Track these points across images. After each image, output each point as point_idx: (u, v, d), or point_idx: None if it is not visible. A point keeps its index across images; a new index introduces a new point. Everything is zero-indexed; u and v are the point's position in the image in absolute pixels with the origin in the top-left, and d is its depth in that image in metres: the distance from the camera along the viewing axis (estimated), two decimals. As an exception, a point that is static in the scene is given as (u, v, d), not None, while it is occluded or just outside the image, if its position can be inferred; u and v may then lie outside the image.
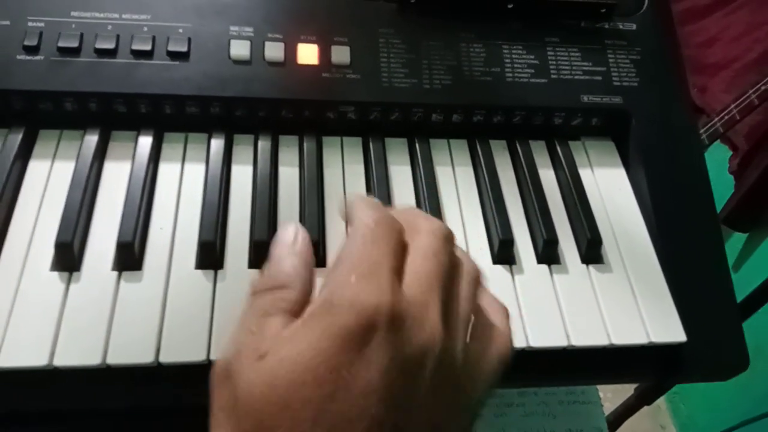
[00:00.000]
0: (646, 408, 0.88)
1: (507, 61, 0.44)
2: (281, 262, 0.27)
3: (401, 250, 0.27)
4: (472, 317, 0.29)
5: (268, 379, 0.23)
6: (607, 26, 0.47)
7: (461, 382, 0.27)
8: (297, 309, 0.25)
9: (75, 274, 0.34)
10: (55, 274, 0.33)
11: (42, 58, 0.37)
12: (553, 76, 0.44)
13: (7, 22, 0.38)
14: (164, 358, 0.31)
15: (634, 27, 0.47)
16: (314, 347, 0.23)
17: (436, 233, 0.28)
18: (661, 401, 1.62)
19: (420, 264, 0.27)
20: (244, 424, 0.23)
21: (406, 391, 0.24)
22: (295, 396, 0.22)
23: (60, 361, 0.31)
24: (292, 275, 0.27)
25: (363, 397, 0.23)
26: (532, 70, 0.44)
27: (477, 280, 0.29)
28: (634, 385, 0.84)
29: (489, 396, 0.29)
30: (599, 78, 0.45)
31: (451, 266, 0.28)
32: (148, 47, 0.39)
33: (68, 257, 0.33)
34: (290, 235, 0.28)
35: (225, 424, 0.23)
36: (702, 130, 1.18)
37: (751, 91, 1.12)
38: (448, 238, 0.29)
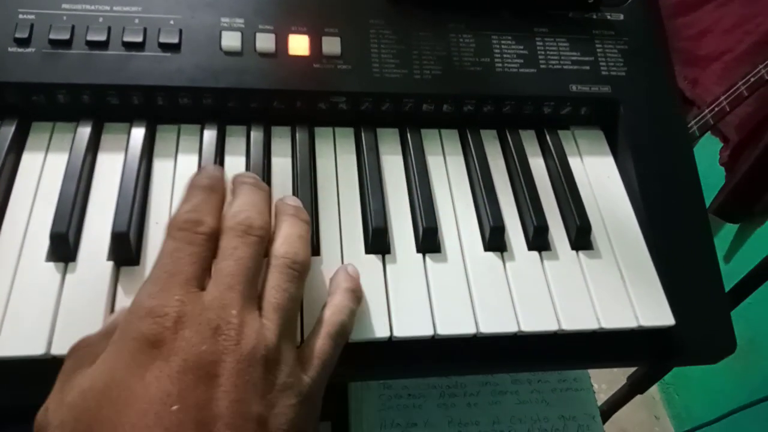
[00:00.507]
0: (640, 398, 0.88)
1: (496, 51, 0.44)
2: (92, 334, 0.29)
3: (206, 254, 0.29)
4: (285, 302, 0.29)
5: (74, 413, 0.24)
6: (594, 16, 0.47)
7: (279, 367, 0.27)
8: None
9: (71, 264, 0.34)
10: (51, 264, 0.34)
11: (33, 50, 0.38)
12: (542, 66, 0.44)
13: (-2, 15, 0.38)
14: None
15: (622, 17, 0.48)
16: (109, 370, 0.25)
17: (236, 230, 0.30)
18: (655, 392, 1.63)
19: (220, 265, 0.29)
20: None
21: (203, 389, 0.24)
22: (96, 418, 0.24)
23: (58, 350, 0.31)
24: (100, 335, 0.29)
25: (158, 403, 0.24)
26: (522, 60, 0.44)
27: (290, 266, 0.30)
28: (626, 377, 0.85)
29: (325, 375, 0.30)
30: (587, 68, 0.45)
31: (253, 260, 0.29)
32: (139, 39, 0.39)
33: (64, 248, 0.34)
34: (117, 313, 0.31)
35: None
36: (693, 122, 1.19)
37: (741, 83, 1.12)
38: (248, 231, 0.30)
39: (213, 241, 0.29)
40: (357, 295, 0.34)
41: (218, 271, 0.28)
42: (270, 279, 0.30)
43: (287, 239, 0.31)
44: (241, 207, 0.31)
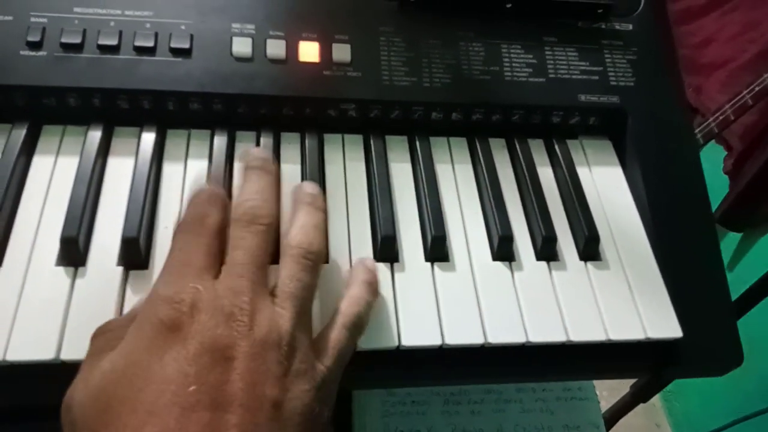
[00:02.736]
0: (641, 406, 0.88)
1: (506, 60, 0.44)
2: (115, 319, 0.30)
3: (215, 243, 0.30)
4: (299, 291, 0.30)
5: (94, 394, 0.25)
6: (603, 26, 0.47)
7: (294, 354, 0.28)
8: None
9: (80, 269, 0.34)
10: (61, 268, 0.34)
11: (45, 53, 0.38)
12: (551, 76, 0.44)
13: (10, 18, 0.38)
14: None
15: (631, 27, 0.48)
16: (128, 353, 0.26)
17: (242, 220, 0.30)
18: (656, 399, 1.63)
19: (230, 255, 0.29)
20: None
21: (219, 370, 0.25)
22: (113, 399, 0.25)
23: (67, 355, 0.31)
24: (123, 319, 0.29)
25: (175, 383, 0.24)
26: (531, 70, 0.44)
27: (304, 256, 0.31)
28: (629, 385, 0.84)
29: (340, 364, 0.30)
30: (596, 78, 0.45)
31: (260, 248, 0.30)
32: (150, 44, 0.39)
33: (74, 252, 0.34)
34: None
35: None
36: (697, 130, 1.19)
37: (745, 92, 1.12)
38: (254, 220, 0.30)
39: (222, 231, 0.30)
40: (374, 288, 0.34)
41: (229, 261, 0.29)
42: (285, 268, 0.30)
43: (302, 229, 0.32)
44: (248, 195, 0.32)
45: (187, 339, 0.25)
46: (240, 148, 0.41)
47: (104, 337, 0.29)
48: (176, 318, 0.26)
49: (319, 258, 0.31)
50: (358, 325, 0.32)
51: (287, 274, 0.30)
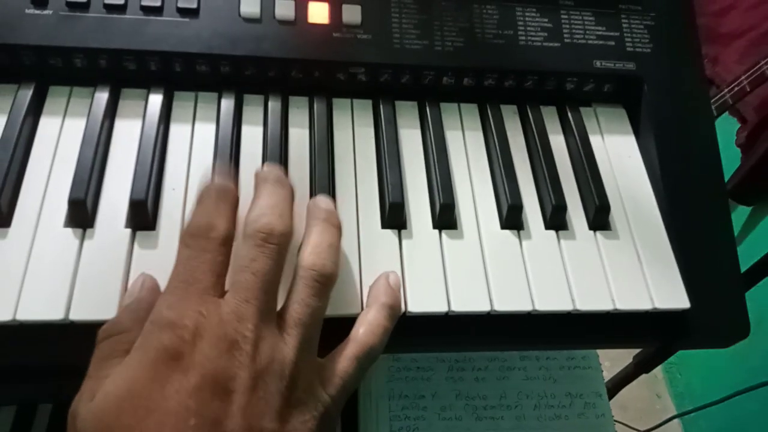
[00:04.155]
0: (643, 377, 0.89)
1: (520, 23, 0.43)
2: (122, 312, 0.30)
3: (221, 259, 0.29)
4: (307, 317, 0.29)
5: (97, 414, 0.25)
6: (622, -10, 0.46)
7: (296, 384, 0.27)
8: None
9: (88, 230, 0.34)
10: (69, 230, 0.34)
11: (51, 12, 0.37)
12: (566, 41, 0.43)
13: (15, -25, 0.38)
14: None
15: (650, -9, 0.47)
16: (131, 378, 0.26)
17: (255, 238, 0.29)
18: (657, 370, 1.65)
19: (237, 276, 0.28)
20: None
21: (219, 404, 0.25)
22: (116, 423, 0.25)
23: (75, 316, 0.31)
24: (130, 320, 0.29)
25: (175, 416, 0.24)
26: (545, 34, 0.43)
27: (316, 279, 0.30)
28: (632, 355, 0.85)
29: (345, 394, 0.30)
30: (612, 43, 0.44)
31: (272, 271, 0.29)
32: (157, 3, 0.38)
33: (82, 214, 0.34)
34: (136, 285, 0.31)
35: None
36: (711, 102, 1.17)
37: (763, 62, 1.10)
38: (268, 239, 0.29)
39: (227, 245, 0.29)
40: (395, 312, 0.33)
41: (235, 284, 0.28)
42: (295, 291, 0.30)
43: (316, 248, 0.31)
44: (262, 210, 0.30)
45: (188, 369, 0.25)
46: (247, 111, 0.40)
47: (111, 342, 0.28)
48: (178, 346, 0.26)
49: (331, 281, 0.30)
50: (371, 357, 0.31)
51: (297, 299, 0.29)
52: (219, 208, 0.30)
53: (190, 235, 0.29)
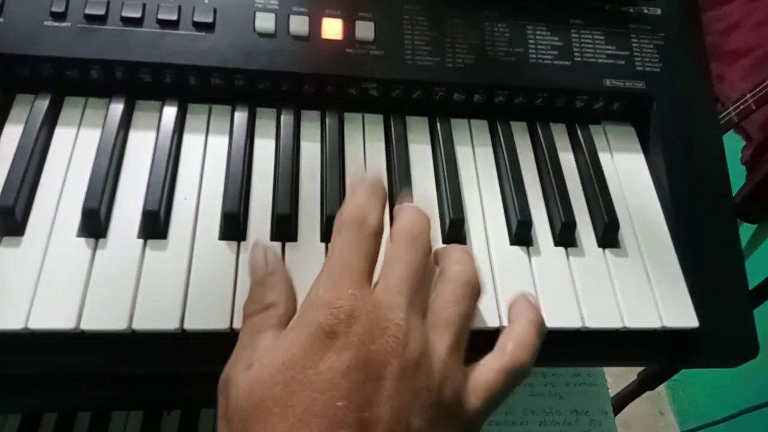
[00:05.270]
0: (646, 394, 0.89)
1: (531, 41, 0.44)
2: (264, 285, 0.30)
3: (373, 250, 0.29)
4: (458, 318, 0.29)
5: (251, 383, 0.26)
6: (631, 10, 0.46)
7: (446, 384, 0.27)
8: (285, 321, 0.28)
9: (101, 240, 0.34)
10: (82, 240, 0.34)
11: (69, 24, 0.38)
12: (576, 59, 0.44)
13: (35, -12, 0.38)
14: (189, 325, 0.32)
15: (659, 12, 0.47)
16: (286, 351, 0.26)
17: (405, 237, 0.30)
18: (661, 387, 1.63)
19: (388, 270, 0.29)
20: (233, 423, 0.25)
21: (369, 388, 0.25)
22: (268, 395, 0.25)
23: (87, 325, 0.31)
24: (275, 294, 0.29)
25: (326, 394, 0.24)
26: (556, 52, 0.44)
27: (465, 284, 0.30)
28: (635, 372, 0.85)
29: (490, 410, 0.29)
30: (622, 62, 0.45)
31: (420, 269, 0.29)
32: (174, 17, 0.39)
33: (95, 224, 0.34)
34: (260, 257, 0.31)
35: (222, 428, 0.26)
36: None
37: (768, 81, 1.10)
38: (417, 240, 0.30)
39: (378, 237, 0.30)
40: (543, 330, 0.32)
41: (387, 276, 0.29)
42: (444, 293, 0.30)
43: (461, 261, 0.31)
44: (411, 219, 0.31)
45: (342, 350, 0.25)
46: (260, 125, 0.40)
47: (262, 316, 0.29)
48: (334, 324, 0.26)
49: (478, 292, 0.31)
50: (521, 375, 0.30)
51: (447, 299, 0.29)
52: (371, 201, 0.31)
53: (344, 223, 0.30)
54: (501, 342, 0.30)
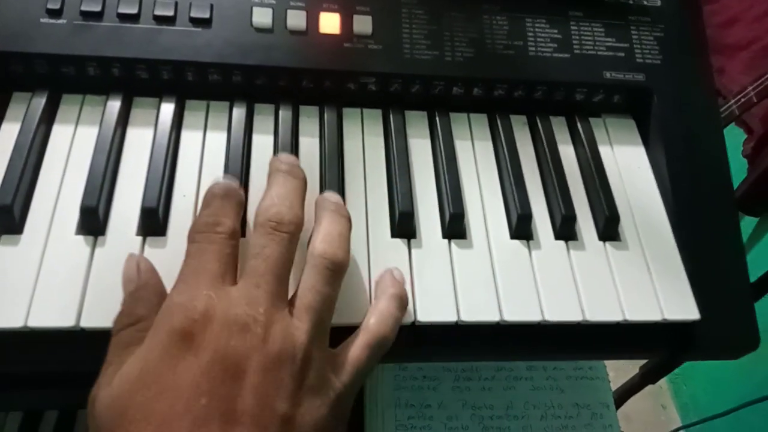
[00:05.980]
0: (648, 388, 0.88)
1: (530, 34, 0.43)
2: (134, 298, 0.30)
3: (229, 251, 0.29)
4: (318, 304, 0.29)
5: (113, 396, 0.26)
6: (631, 2, 0.46)
7: (308, 368, 0.27)
8: None
9: (100, 238, 0.34)
10: (81, 237, 0.34)
11: (65, 21, 0.37)
12: (576, 51, 0.44)
13: (31, -15, 0.38)
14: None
15: (659, 3, 0.47)
16: (143, 359, 0.26)
17: (265, 226, 0.30)
18: (662, 381, 1.63)
19: (249, 263, 0.29)
20: None
21: (231, 384, 0.25)
22: (129, 404, 0.25)
23: (86, 323, 0.31)
24: (145, 308, 0.29)
25: (187, 394, 0.25)
26: (555, 45, 0.43)
27: (327, 267, 0.30)
28: (637, 366, 0.84)
29: (357, 383, 0.30)
30: (622, 54, 0.44)
31: (282, 258, 0.29)
32: (170, 13, 0.38)
33: (93, 221, 0.34)
34: (132, 269, 0.31)
35: None
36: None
37: (769, 73, 1.10)
38: (277, 228, 0.30)
39: (234, 239, 0.30)
40: (403, 303, 0.33)
41: (247, 270, 0.29)
42: (306, 278, 0.30)
43: (326, 237, 0.31)
44: (272, 201, 0.31)
45: (200, 350, 0.25)
46: (258, 120, 0.40)
47: (130, 331, 0.29)
48: (188, 326, 0.26)
49: (342, 268, 0.31)
50: (383, 345, 0.31)
51: (307, 285, 0.29)
52: (224, 206, 0.31)
53: (197, 232, 0.30)
54: (365, 319, 0.32)
